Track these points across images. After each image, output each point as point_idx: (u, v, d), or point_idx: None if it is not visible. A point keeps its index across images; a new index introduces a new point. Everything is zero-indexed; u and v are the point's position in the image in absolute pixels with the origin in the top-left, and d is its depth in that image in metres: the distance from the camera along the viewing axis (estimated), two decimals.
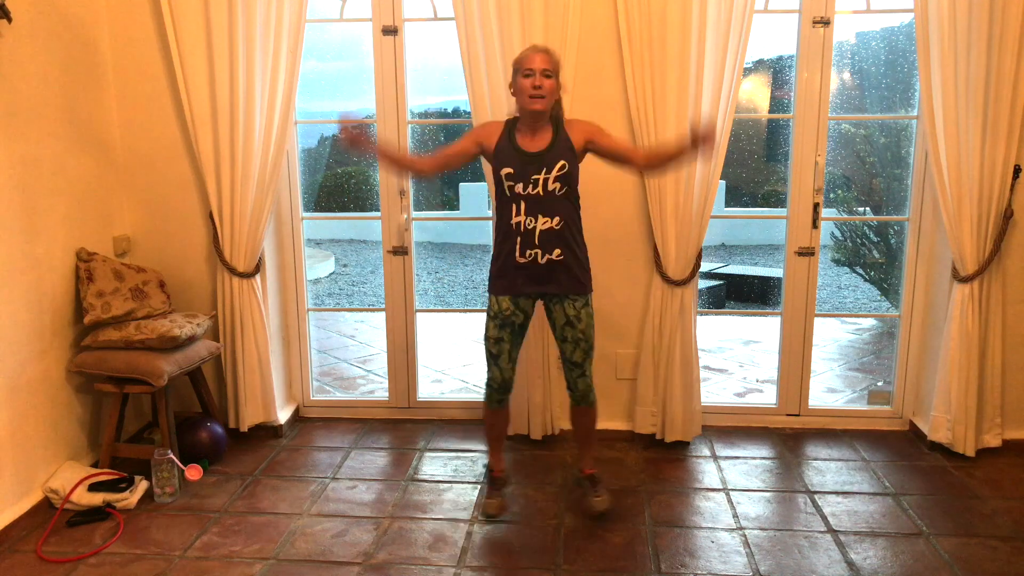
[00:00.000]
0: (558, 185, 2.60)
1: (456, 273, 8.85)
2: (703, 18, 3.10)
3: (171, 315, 3.27)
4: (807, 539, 2.72)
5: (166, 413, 3.10)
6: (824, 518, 2.85)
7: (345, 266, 9.28)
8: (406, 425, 3.74)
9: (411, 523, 2.84)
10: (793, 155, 3.43)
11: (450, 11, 3.24)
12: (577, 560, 2.59)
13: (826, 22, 3.30)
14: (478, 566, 2.57)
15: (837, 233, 6.19)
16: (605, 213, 3.39)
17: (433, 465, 3.32)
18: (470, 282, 8.30)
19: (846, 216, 6.14)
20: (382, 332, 3.84)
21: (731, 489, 3.09)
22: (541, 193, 2.60)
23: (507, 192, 2.64)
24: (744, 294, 7.62)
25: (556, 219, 2.62)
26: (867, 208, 6.21)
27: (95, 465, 3.16)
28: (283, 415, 3.66)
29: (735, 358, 5.16)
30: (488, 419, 2.93)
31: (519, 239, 2.64)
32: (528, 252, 2.64)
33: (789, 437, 3.57)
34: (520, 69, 2.59)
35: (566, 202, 2.65)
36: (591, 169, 3.21)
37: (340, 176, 9.47)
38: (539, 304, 2.90)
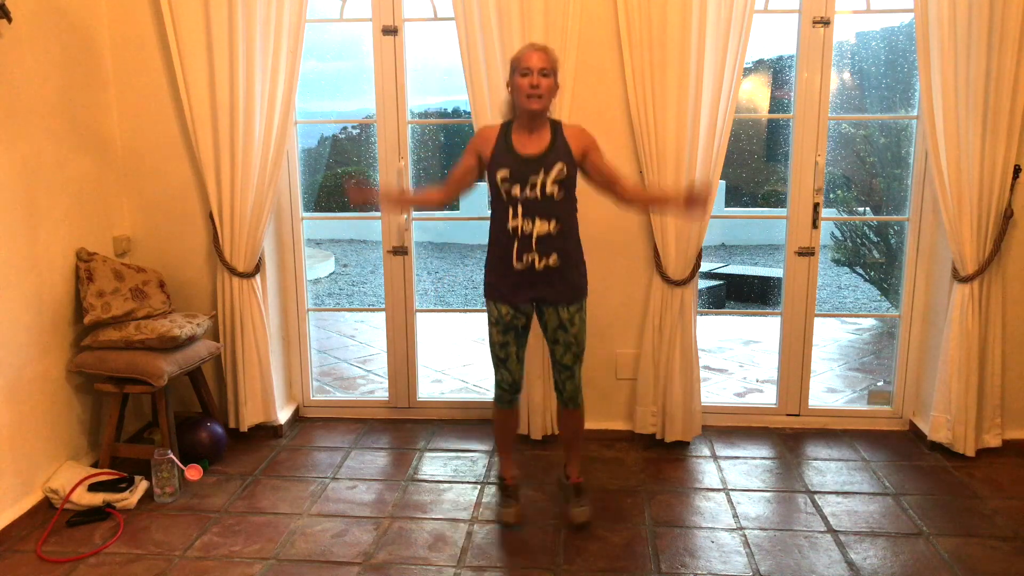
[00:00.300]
0: (556, 188, 2.55)
1: (456, 273, 8.85)
2: (703, 18, 3.10)
3: (171, 315, 3.27)
4: (807, 539, 2.72)
5: (166, 413, 3.10)
6: (824, 518, 2.85)
7: (345, 266, 9.28)
8: (406, 425, 3.74)
9: (411, 523, 2.84)
10: (793, 155, 3.43)
11: (450, 11, 3.24)
12: (577, 560, 2.59)
13: (826, 22, 3.30)
14: (478, 566, 2.57)
15: (837, 233, 6.19)
16: (605, 213, 3.38)
17: (433, 465, 3.32)
18: (470, 282, 8.30)
19: (846, 216, 6.14)
20: (382, 332, 3.84)
21: (731, 489, 3.09)
22: (539, 196, 2.55)
23: (504, 195, 2.59)
24: (744, 294, 7.62)
25: (554, 223, 2.57)
26: (867, 208, 6.20)
27: (95, 465, 3.16)
28: (283, 415, 3.67)
29: (735, 358, 5.16)
30: (499, 420, 2.87)
31: (516, 243, 2.58)
32: (525, 257, 2.58)
33: (789, 437, 3.57)
34: (517, 68, 2.54)
35: (564, 207, 2.60)
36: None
37: (340, 176, 9.46)
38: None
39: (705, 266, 6.66)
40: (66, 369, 3.08)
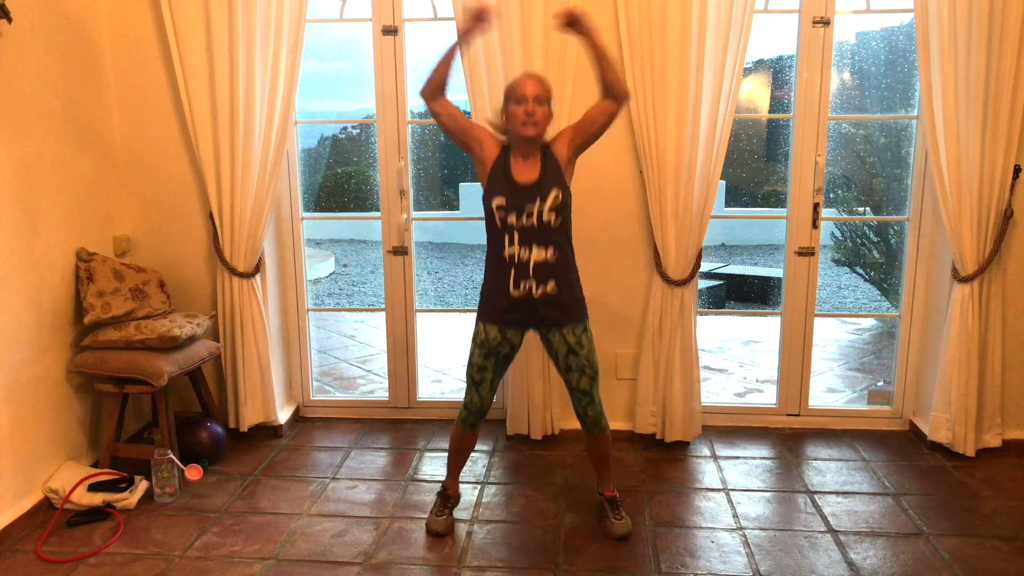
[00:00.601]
0: (553, 215, 2.52)
1: (456, 273, 8.85)
2: (703, 18, 3.10)
3: (171, 315, 3.27)
4: (807, 539, 2.72)
5: (166, 413, 3.10)
6: (824, 518, 2.85)
7: (345, 266, 9.27)
8: (406, 425, 3.74)
9: (411, 523, 2.84)
10: (793, 155, 3.43)
11: (450, 11, 3.24)
12: (577, 560, 2.59)
13: (826, 22, 3.30)
14: (478, 566, 2.57)
15: (837, 233, 6.19)
16: (605, 213, 3.39)
17: (433, 465, 3.32)
18: (470, 282, 8.30)
19: (846, 216, 6.14)
20: (382, 332, 3.84)
21: (731, 489, 3.09)
22: (536, 225, 2.52)
23: (499, 223, 2.56)
24: (744, 294, 7.62)
25: (551, 250, 2.54)
26: (867, 208, 6.20)
27: (95, 465, 3.16)
28: (283, 415, 3.67)
29: (735, 358, 5.16)
30: (458, 439, 2.82)
31: (513, 271, 2.55)
32: (523, 284, 2.55)
33: (789, 437, 3.57)
34: (512, 96, 2.52)
35: (560, 234, 2.57)
36: (591, 169, 3.22)
37: (340, 176, 9.46)
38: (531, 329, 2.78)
39: (705, 266, 6.67)
40: (66, 369, 3.08)
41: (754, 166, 9.34)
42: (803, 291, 3.54)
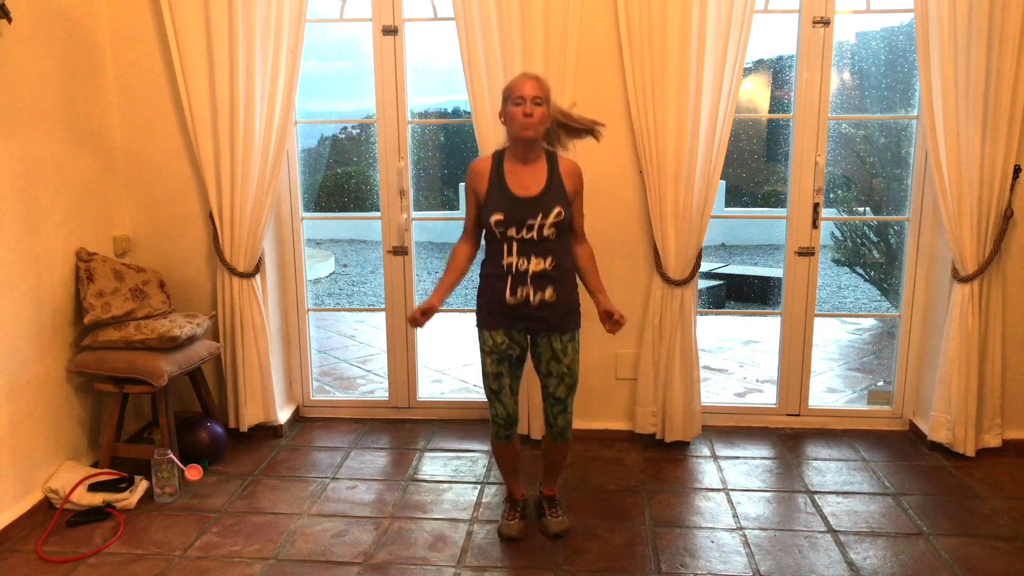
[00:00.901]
0: (553, 231, 2.51)
1: None
2: (703, 18, 3.10)
3: (171, 315, 3.27)
4: (807, 539, 2.72)
5: (166, 413, 3.10)
6: (824, 518, 2.85)
7: (345, 266, 9.27)
8: (406, 425, 3.74)
9: (411, 523, 2.84)
10: (793, 155, 3.43)
11: (450, 11, 3.24)
12: (577, 560, 2.59)
13: (826, 22, 3.30)
14: (478, 566, 2.57)
15: (837, 233, 6.19)
16: (605, 213, 3.39)
17: (433, 465, 3.32)
18: (470, 282, 8.24)
19: (846, 216, 6.14)
20: (382, 332, 3.84)
21: (731, 489, 3.09)
22: (535, 238, 2.50)
23: (497, 235, 2.53)
24: (744, 294, 7.62)
25: (549, 260, 2.52)
26: (867, 208, 6.20)
27: (95, 465, 3.16)
28: (283, 415, 3.67)
29: (735, 358, 5.16)
30: (499, 455, 2.80)
31: (510, 279, 2.53)
32: (520, 291, 2.53)
33: (789, 437, 3.57)
34: (510, 97, 2.49)
35: (560, 243, 2.56)
36: (591, 169, 3.21)
37: (340, 176, 9.46)
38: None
39: (705, 266, 6.67)
40: (66, 369, 3.08)
41: (754, 166, 9.34)
42: (803, 291, 3.54)
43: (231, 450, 3.44)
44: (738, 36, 3.13)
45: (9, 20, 2.69)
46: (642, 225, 3.40)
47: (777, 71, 7.65)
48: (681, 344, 3.36)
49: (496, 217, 2.51)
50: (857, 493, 3.04)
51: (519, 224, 2.50)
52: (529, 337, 2.67)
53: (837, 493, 3.04)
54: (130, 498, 2.95)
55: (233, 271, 3.40)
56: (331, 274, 8.80)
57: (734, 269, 8.10)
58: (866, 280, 6.37)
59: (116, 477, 3.02)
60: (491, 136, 3.20)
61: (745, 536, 2.74)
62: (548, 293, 2.54)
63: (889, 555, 2.61)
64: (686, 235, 3.27)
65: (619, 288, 3.47)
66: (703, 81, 3.14)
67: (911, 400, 3.60)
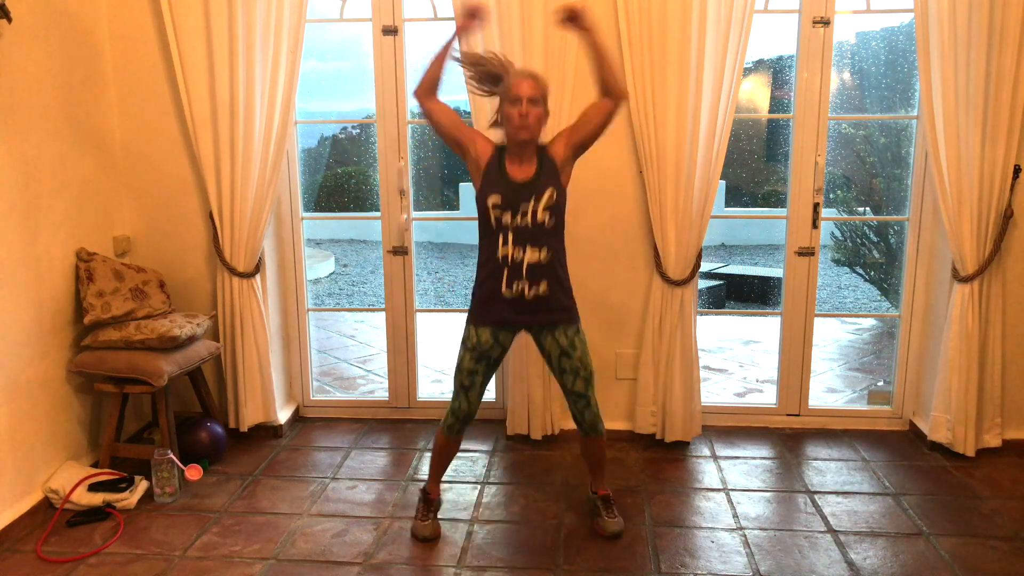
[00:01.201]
0: (547, 215, 2.51)
1: (456, 273, 8.85)
2: (703, 18, 3.09)
3: (171, 315, 3.27)
4: (807, 539, 2.72)
5: (166, 413, 3.10)
6: (824, 518, 2.85)
7: (345, 266, 9.27)
8: (406, 425, 3.74)
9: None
10: (793, 155, 3.43)
11: (450, 11, 3.24)
12: (577, 560, 2.59)
13: (826, 22, 3.30)
14: (478, 566, 2.57)
15: (837, 233, 6.19)
16: (605, 213, 3.39)
17: None
18: (470, 282, 8.28)
19: (846, 216, 6.14)
20: (382, 332, 3.84)
21: (731, 489, 3.09)
22: (530, 224, 2.50)
23: (493, 223, 2.53)
24: (744, 294, 7.62)
25: (544, 251, 2.52)
26: (867, 208, 6.20)
27: (95, 465, 3.16)
28: (283, 415, 3.67)
29: (735, 358, 5.16)
30: (443, 446, 2.77)
31: (506, 271, 2.52)
32: (515, 285, 2.53)
33: (789, 437, 3.57)
34: (507, 96, 2.49)
35: (554, 235, 2.55)
36: (591, 169, 3.22)
37: (340, 176, 9.46)
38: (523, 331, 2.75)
39: (705, 266, 6.67)
40: (66, 369, 3.08)
41: (754, 166, 9.34)
42: (803, 291, 3.54)
43: (231, 450, 3.44)
44: (738, 36, 3.13)
45: (9, 20, 2.69)
46: (642, 225, 3.40)
47: (777, 71, 7.65)
48: (681, 344, 3.36)
49: (494, 199, 2.52)
50: (857, 493, 3.04)
51: (514, 209, 2.51)
52: (532, 336, 2.68)
53: (837, 493, 3.04)
54: (130, 498, 2.95)
55: (233, 271, 3.40)
56: (331, 274, 8.80)
57: (734, 269, 8.10)
58: (866, 280, 6.37)
59: (116, 477, 3.02)
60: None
61: (745, 536, 2.74)
62: (543, 287, 2.54)
63: (889, 555, 2.61)
64: (686, 235, 3.27)
65: (619, 288, 3.47)
66: (703, 81, 3.14)
67: (911, 400, 3.60)
